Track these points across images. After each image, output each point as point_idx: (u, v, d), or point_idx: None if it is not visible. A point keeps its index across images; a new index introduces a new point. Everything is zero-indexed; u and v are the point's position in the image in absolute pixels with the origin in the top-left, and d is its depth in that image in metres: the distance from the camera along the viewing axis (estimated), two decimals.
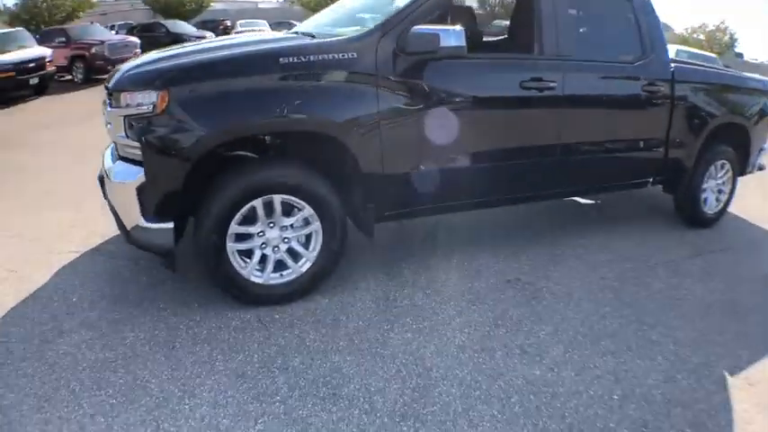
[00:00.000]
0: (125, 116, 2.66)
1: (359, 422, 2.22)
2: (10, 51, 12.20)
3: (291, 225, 2.93)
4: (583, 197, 4.69)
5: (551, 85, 3.34)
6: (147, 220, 2.69)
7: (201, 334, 2.75)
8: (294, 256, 3.00)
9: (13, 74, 11.65)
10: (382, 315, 2.94)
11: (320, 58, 2.81)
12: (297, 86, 2.75)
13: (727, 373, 2.62)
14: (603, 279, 3.40)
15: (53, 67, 13.01)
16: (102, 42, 14.65)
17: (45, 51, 12.96)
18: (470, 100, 3.18)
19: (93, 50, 14.38)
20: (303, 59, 2.78)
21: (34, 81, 12.15)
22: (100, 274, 3.26)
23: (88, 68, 14.36)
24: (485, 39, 4.61)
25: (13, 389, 2.33)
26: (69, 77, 14.83)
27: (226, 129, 2.66)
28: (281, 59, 2.76)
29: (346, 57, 2.81)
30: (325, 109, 2.80)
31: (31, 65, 12.12)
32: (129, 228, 2.77)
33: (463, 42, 2.90)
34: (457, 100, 3.14)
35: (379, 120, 2.89)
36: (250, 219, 2.85)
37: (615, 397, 2.38)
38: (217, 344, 2.69)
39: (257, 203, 2.80)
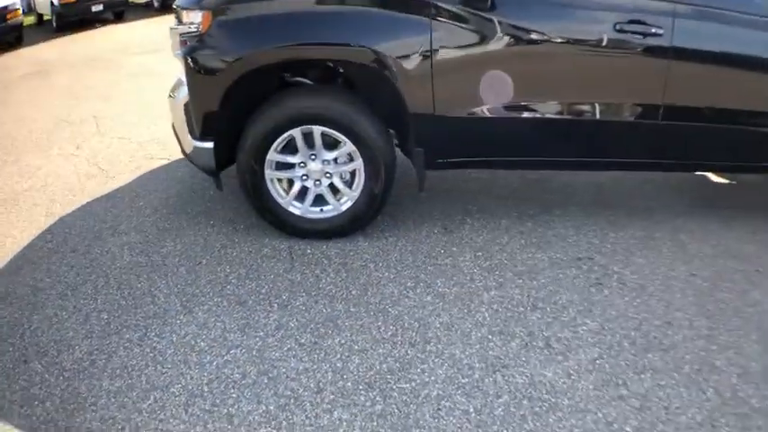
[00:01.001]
0: (180, 34, 2.70)
1: (321, 379, 2.06)
2: None
3: (335, 160, 2.76)
4: (716, 173, 3.55)
5: (656, 31, 2.50)
6: (193, 137, 2.76)
7: (230, 255, 2.82)
8: (337, 192, 2.85)
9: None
10: (413, 270, 2.66)
11: None
12: (333, 11, 2.51)
13: None
14: (693, 276, 2.59)
15: None
16: None
17: None
18: (546, 41, 2.55)
19: None
20: None
21: (98, 8, 12.80)
22: (174, 184, 3.52)
23: None
24: None
25: (51, 275, 2.67)
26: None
27: (259, 53, 2.55)
28: None
29: None
30: (365, 37, 2.51)
31: None
32: (182, 144, 2.88)
33: None
34: (529, 39, 2.55)
35: (431, 54, 2.49)
36: (292, 148, 2.75)
37: (628, 429, 1.83)
38: (238, 267, 2.72)
39: (296, 133, 2.67)
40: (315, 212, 2.87)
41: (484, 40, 2.52)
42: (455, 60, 2.55)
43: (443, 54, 2.51)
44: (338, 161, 2.78)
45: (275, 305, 2.48)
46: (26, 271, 2.83)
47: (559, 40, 2.56)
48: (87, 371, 2.21)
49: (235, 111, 2.72)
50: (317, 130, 2.67)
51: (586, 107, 2.71)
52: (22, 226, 3.29)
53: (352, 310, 2.43)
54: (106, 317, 2.45)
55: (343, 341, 2.26)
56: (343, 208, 2.85)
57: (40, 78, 7.82)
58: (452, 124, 2.67)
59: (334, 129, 2.65)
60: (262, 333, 2.32)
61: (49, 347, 2.32)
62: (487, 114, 2.65)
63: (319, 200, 2.87)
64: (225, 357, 2.21)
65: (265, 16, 2.54)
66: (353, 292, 2.54)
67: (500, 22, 2.49)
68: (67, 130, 5.08)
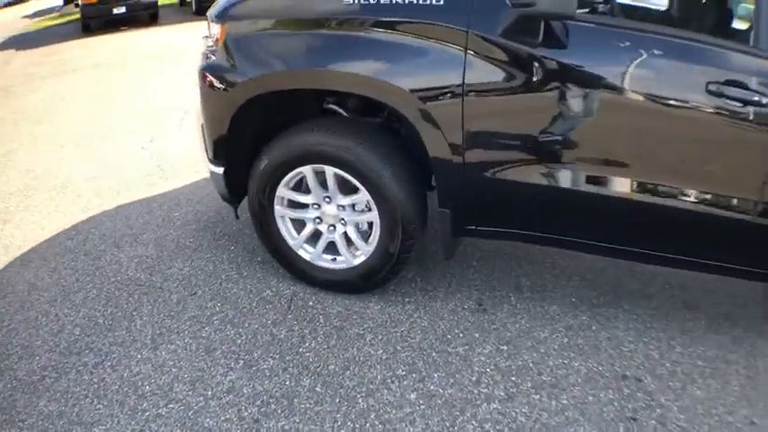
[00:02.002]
0: (205, 47, 2.53)
1: None
2: None
3: (353, 206, 2.40)
4: None
5: (762, 100, 1.77)
6: (208, 160, 2.57)
7: (228, 291, 2.59)
8: (352, 243, 2.48)
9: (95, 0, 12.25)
10: (413, 353, 2.19)
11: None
12: (349, 36, 2.12)
13: None
14: (751, 426, 1.81)
15: None
16: None
17: None
18: (612, 92, 1.91)
19: None
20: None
21: (120, 10, 12.49)
22: (217, 199, 3.28)
23: None
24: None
25: (54, 275, 2.73)
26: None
27: (265, 76, 2.27)
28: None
29: (427, 2, 2.01)
30: (385, 69, 2.10)
31: None
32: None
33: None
34: (584, 88, 1.93)
35: (462, 95, 2.00)
36: (306, 186, 2.44)
37: None
38: (228, 308, 2.48)
39: (306, 171, 2.36)
40: (326, 261, 2.54)
41: (531, 83, 1.96)
42: (492, 105, 2.03)
43: (478, 96, 2.00)
44: (356, 208, 2.43)
45: (241, 362, 2.19)
46: (34, 266, 2.88)
47: (630, 95, 1.91)
48: (33, 386, 2.13)
49: (248, 136, 2.50)
50: (329, 170, 2.33)
51: (653, 185, 2.01)
52: (55, 217, 3.40)
53: (317, 389, 2.06)
54: (78, 333, 2.37)
55: (287, 426, 1.90)
56: (356, 262, 2.48)
57: (155, 61, 8.38)
58: (485, 185, 2.15)
59: (346, 172, 2.29)
60: (209, 393, 2.05)
61: (14, 352, 2.29)
62: (529, 180, 2.11)
63: (333, 248, 2.53)
64: (160, 410, 1.99)
65: (273, 35, 2.26)
66: (331, 368, 2.16)
67: (552, 63, 1.92)
68: (151, 120, 5.26)
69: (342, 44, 2.14)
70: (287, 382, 2.10)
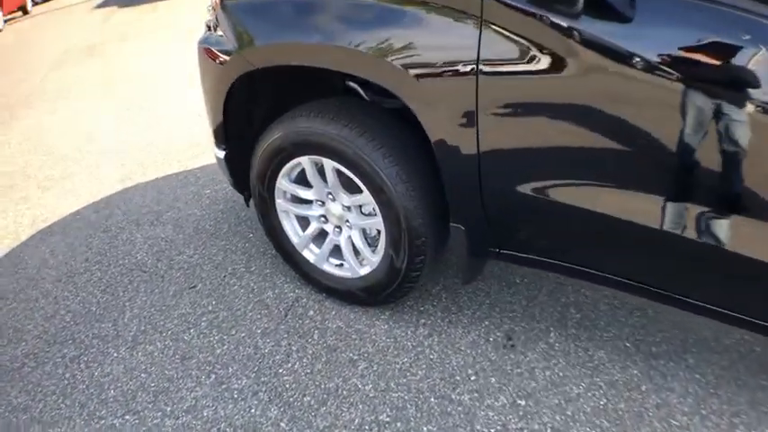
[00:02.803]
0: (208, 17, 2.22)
1: None
2: None
3: (360, 207, 2.01)
4: None
5: None
6: (214, 142, 2.30)
7: (228, 288, 2.36)
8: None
9: None
10: (405, 396, 1.79)
11: None
12: (339, 6, 1.68)
13: None
14: None
15: None
16: None
17: None
18: (680, 84, 1.24)
19: None
20: None
21: None
22: None
23: None
24: None
25: (68, 252, 2.73)
26: None
27: (250, 52, 1.89)
28: None
29: None
30: (359, 36, 1.63)
31: None
32: None
33: None
34: (635, 72, 1.27)
35: (476, 78, 1.49)
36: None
37: None
38: (221, 308, 2.25)
39: (304, 162, 1.99)
40: (331, 266, 2.19)
41: (565, 68, 1.38)
42: (517, 94, 1.49)
43: (498, 81, 1.48)
44: (363, 210, 2.05)
45: (213, 377, 1.96)
46: (53, 240, 2.86)
47: (697, 88, 1.25)
48: (12, 374, 2.08)
49: (256, 118, 2.19)
50: (328, 163, 1.96)
51: (718, 219, 1.38)
52: (92, 187, 3.36)
53: (282, 425, 1.76)
54: (68, 320, 2.28)
55: None
56: (361, 272, 2.10)
57: None
58: (507, 199, 1.65)
59: (345, 167, 1.90)
60: (168, 409, 1.85)
61: (6, 334, 2.27)
62: (559, 198, 1.57)
63: (341, 252, 2.19)
64: (115, 421, 1.84)
65: (257, 5, 1.86)
66: (306, 399, 1.84)
67: (597, 41, 1.32)
68: None
69: (321, 10, 1.74)
70: (252, 410, 1.83)
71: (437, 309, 2.16)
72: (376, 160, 1.82)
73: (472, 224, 1.78)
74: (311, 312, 2.20)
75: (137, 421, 1.84)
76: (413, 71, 1.58)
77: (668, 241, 1.46)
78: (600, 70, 1.34)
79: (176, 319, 2.20)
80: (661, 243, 1.49)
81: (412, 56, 1.59)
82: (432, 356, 1.97)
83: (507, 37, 1.42)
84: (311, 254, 2.23)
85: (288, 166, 2.06)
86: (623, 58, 1.29)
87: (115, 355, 2.09)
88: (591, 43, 1.32)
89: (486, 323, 2.08)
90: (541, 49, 1.39)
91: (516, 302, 2.16)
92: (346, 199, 2.02)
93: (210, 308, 2.25)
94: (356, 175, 1.89)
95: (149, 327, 2.19)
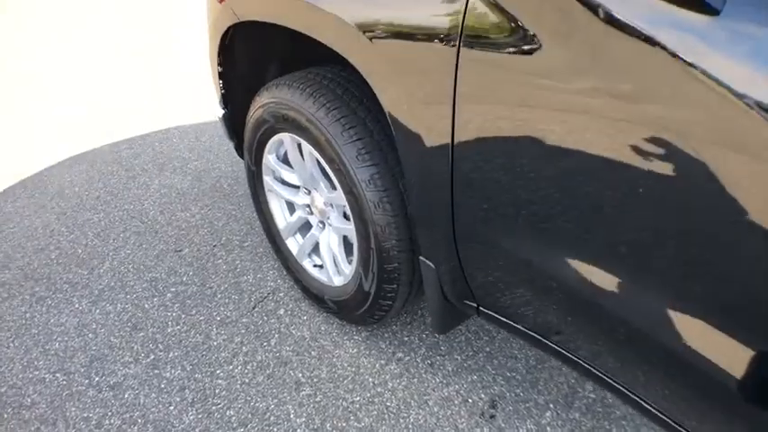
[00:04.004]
0: None
1: None
2: None
3: (345, 209, 1.64)
4: None
5: None
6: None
7: (211, 261, 2.15)
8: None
9: None
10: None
11: None
12: None
13: None
14: None
15: None
16: None
17: None
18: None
19: None
20: None
21: None
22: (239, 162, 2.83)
23: None
24: None
25: (86, 191, 2.63)
26: None
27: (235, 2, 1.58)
28: None
29: None
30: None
31: None
32: None
33: None
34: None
35: (455, 81, 1.05)
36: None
37: None
38: (195, 281, 2.05)
39: (286, 141, 1.68)
40: (310, 264, 1.89)
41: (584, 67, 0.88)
42: (506, 112, 1.00)
43: (479, 91, 1.02)
44: (347, 212, 1.67)
45: (151, 357, 1.79)
46: (79, 170, 2.81)
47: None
48: None
49: (271, 72, 1.91)
50: (306, 146, 1.62)
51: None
52: (140, 122, 3.21)
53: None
54: (54, 257, 2.25)
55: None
56: (335, 282, 1.79)
57: None
58: (484, 246, 1.22)
59: (319, 154, 1.55)
60: (95, 380, 1.74)
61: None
62: (538, 260, 1.10)
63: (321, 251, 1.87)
64: (45, 376, 1.78)
65: None
66: (229, 413, 1.60)
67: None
68: None
69: None
70: (171, 407, 1.65)
71: (423, 344, 1.80)
72: (348, 154, 1.47)
73: (443, 264, 1.38)
74: (281, 311, 1.94)
75: (64, 382, 1.74)
76: (369, 33, 1.19)
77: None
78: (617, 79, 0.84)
79: (146, 283, 2.07)
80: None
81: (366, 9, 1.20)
82: (389, 404, 1.63)
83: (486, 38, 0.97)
84: (296, 244, 1.96)
85: (272, 140, 1.77)
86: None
87: (77, 305, 2.01)
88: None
89: (474, 378, 1.69)
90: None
91: (522, 360, 1.73)
92: (325, 193, 1.70)
93: (185, 278, 2.08)
94: (330, 168, 1.56)
95: (118, 284, 2.08)
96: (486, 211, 1.17)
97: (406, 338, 1.83)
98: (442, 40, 1.04)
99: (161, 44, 4.35)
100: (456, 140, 1.10)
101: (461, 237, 1.26)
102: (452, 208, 1.22)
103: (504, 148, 1.05)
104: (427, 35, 1.07)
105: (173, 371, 1.76)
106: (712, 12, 0.74)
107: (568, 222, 1.02)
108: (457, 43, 1.01)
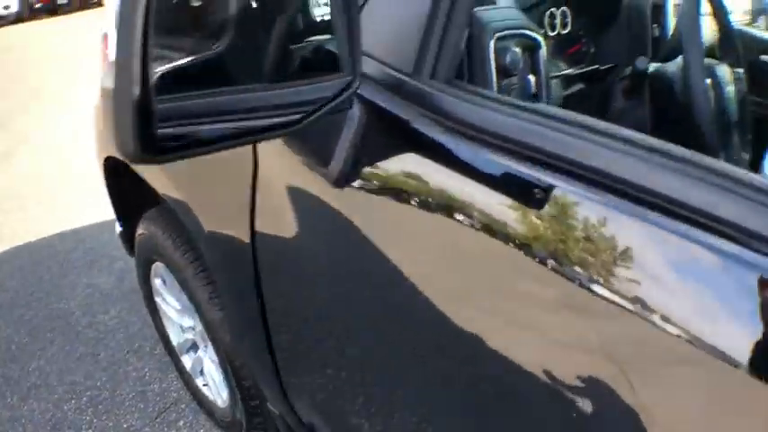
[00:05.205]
0: None
1: None
2: None
3: None
4: None
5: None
6: None
7: (123, 367, 2.55)
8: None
9: None
10: None
11: None
12: None
13: None
14: None
15: None
16: None
17: None
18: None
19: None
20: None
21: None
22: None
23: None
24: None
25: (23, 281, 2.93)
26: None
27: None
28: None
29: None
30: None
31: None
32: None
33: None
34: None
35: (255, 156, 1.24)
36: None
37: None
38: (108, 386, 2.43)
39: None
40: (202, 382, 2.25)
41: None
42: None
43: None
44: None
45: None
46: (18, 264, 3.16)
47: None
48: None
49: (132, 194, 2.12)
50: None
51: None
52: (75, 218, 3.57)
53: None
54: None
55: None
56: (219, 403, 2.15)
57: None
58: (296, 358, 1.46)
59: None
60: None
61: None
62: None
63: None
64: None
65: None
66: None
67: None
68: None
69: None
70: None
71: None
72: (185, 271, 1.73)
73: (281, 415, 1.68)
74: (181, 423, 2.35)
75: None
76: None
77: None
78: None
79: (66, 385, 2.51)
80: None
81: None
82: None
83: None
84: (189, 361, 2.28)
85: (154, 266, 2.07)
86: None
87: (9, 400, 2.44)
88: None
89: None
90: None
91: None
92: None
93: (99, 384, 2.52)
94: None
95: (44, 384, 2.52)
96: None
97: None
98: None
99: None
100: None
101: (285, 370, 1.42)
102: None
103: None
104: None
105: None
106: None
107: None
108: None
